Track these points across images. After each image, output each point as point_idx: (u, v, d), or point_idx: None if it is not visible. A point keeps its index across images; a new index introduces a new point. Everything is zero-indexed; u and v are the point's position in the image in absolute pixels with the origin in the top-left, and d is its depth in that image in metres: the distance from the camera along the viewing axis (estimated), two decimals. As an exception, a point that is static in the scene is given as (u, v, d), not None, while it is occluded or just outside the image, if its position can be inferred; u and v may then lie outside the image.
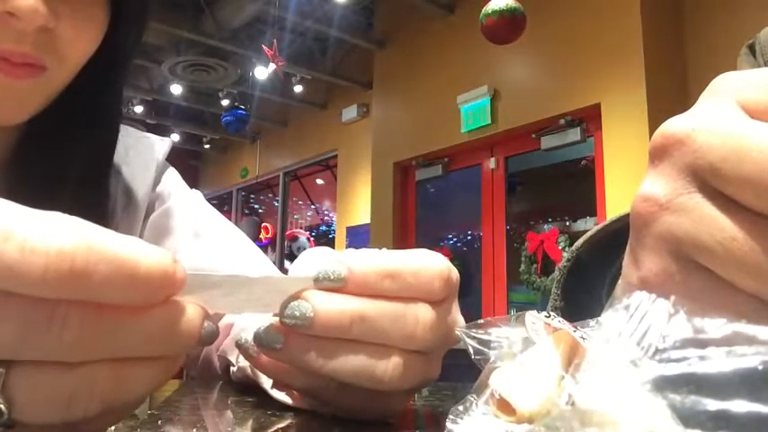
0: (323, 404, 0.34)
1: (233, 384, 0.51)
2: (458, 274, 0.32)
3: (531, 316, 0.25)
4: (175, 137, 8.64)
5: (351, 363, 0.29)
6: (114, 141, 0.61)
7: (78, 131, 0.58)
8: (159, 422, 0.34)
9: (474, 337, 0.26)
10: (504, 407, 0.22)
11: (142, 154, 0.67)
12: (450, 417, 0.23)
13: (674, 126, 0.23)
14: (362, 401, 0.32)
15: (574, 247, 0.39)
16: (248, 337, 0.32)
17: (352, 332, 0.28)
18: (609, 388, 0.20)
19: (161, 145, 0.71)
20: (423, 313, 0.30)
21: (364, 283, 0.29)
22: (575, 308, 0.38)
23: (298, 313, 0.28)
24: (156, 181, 0.68)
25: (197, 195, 0.73)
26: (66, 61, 0.52)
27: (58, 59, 0.50)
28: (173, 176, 0.71)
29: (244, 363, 0.46)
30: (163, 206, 0.68)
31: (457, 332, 0.26)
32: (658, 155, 0.24)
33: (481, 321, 0.26)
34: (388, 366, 0.29)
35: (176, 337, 0.23)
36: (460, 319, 0.32)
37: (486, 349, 0.25)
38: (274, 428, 0.33)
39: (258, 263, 0.68)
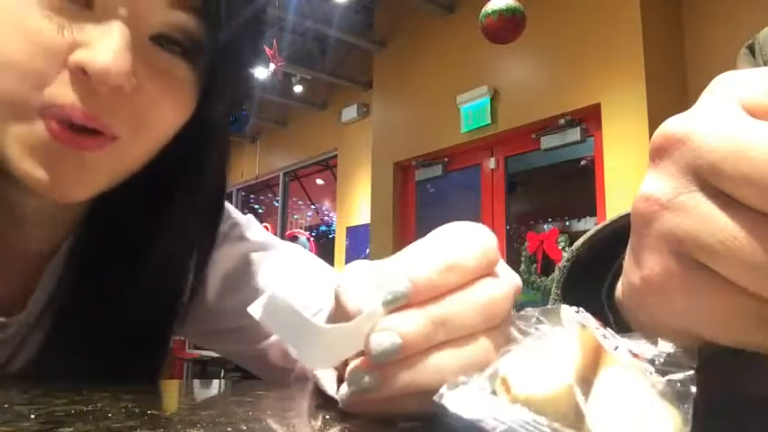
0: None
1: (233, 383, 0.51)
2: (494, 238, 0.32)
3: (566, 311, 0.25)
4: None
5: (450, 365, 0.29)
6: (214, 235, 0.58)
7: (168, 216, 0.53)
8: (159, 422, 0.34)
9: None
10: (506, 385, 0.23)
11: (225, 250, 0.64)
12: (449, 385, 0.23)
13: (674, 126, 0.23)
14: None
15: (574, 247, 0.39)
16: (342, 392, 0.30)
17: (440, 337, 0.28)
18: (624, 407, 0.20)
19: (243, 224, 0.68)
20: (491, 289, 0.30)
21: (431, 287, 0.29)
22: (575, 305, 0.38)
23: (388, 344, 0.28)
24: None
25: (251, 221, 0.70)
26: (141, 134, 0.46)
27: (132, 130, 0.45)
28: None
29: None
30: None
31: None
32: (659, 154, 0.24)
33: (525, 312, 0.27)
34: (480, 351, 0.29)
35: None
36: (514, 274, 0.32)
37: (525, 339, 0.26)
38: (275, 427, 0.33)
39: (326, 283, 0.65)
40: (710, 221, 0.22)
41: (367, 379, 0.29)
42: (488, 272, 0.30)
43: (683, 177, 0.23)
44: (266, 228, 0.77)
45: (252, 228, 0.67)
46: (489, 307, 0.29)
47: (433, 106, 5.21)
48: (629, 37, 3.85)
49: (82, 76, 0.42)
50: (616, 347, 0.23)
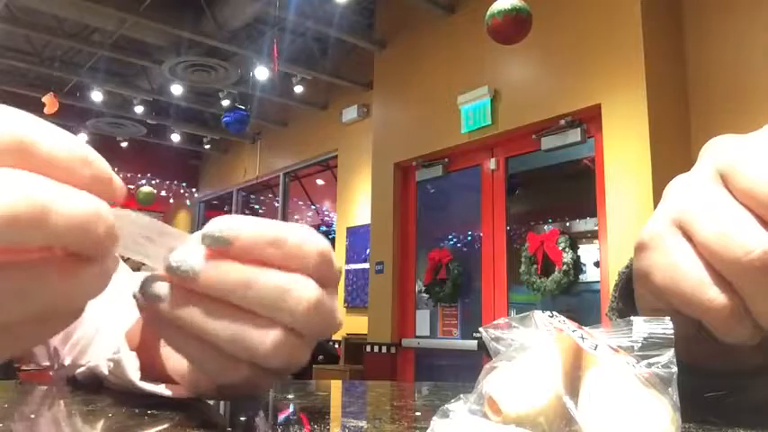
0: (197, 389, 0.34)
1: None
2: (337, 263, 0.32)
3: (539, 316, 0.25)
4: (176, 137, 8.64)
5: (231, 327, 0.28)
6: None
7: None
8: (160, 422, 0.34)
9: (494, 338, 0.26)
10: (494, 407, 0.23)
11: None
12: (438, 413, 0.23)
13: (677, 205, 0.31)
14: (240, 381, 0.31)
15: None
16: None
17: (237, 296, 0.28)
18: (611, 409, 0.20)
19: None
20: (308, 292, 0.29)
21: (250, 247, 0.29)
22: (633, 308, 0.41)
23: (187, 265, 0.28)
24: None
25: None
26: None
27: None
28: None
29: (95, 362, 0.46)
30: None
31: (481, 330, 0.26)
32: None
33: (499, 321, 0.27)
34: (266, 338, 0.29)
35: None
36: (339, 313, 0.32)
37: (503, 348, 0.26)
38: (273, 426, 0.33)
39: None
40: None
41: (158, 288, 0.29)
42: (311, 273, 0.30)
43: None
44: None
45: None
46: (296, 302, 0.29)
47: (434, 107, 5.21)
48: (630, 38, 3.85)
49: None
50: (596, 347, 0.23)
